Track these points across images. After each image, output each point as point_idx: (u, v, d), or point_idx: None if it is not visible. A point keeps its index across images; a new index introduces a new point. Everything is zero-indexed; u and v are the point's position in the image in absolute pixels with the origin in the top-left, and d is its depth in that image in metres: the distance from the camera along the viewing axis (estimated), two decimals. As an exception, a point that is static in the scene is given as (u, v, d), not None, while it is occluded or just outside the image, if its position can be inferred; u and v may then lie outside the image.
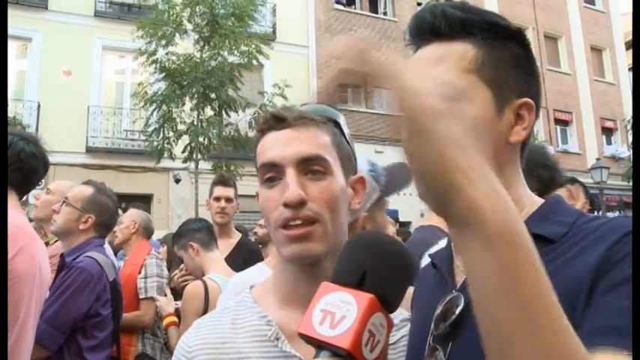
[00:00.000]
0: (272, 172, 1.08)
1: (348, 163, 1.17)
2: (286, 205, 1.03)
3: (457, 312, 0.93)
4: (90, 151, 15.17)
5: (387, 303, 0.78)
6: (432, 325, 0.98)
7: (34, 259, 2.06)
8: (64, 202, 2.97)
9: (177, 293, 3.73)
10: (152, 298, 3.82)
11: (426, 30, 1.01)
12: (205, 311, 2.96)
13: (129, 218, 4.30)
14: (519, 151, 1.02)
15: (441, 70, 0.95)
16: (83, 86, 15.38)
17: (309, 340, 0.76)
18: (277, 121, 1.11)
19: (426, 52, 1.00)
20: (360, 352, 0.73)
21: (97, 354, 2.75)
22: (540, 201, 1.01)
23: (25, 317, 1.98)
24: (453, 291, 0.98)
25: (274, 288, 1.15)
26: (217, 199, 3.98)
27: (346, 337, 0.72)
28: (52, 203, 3.48)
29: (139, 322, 3.83)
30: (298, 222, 1.03)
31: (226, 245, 3.65)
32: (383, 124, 19.43)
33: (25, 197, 2.42)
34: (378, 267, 0.79)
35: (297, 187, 1.03)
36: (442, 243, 1.20)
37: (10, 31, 14.67)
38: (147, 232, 4.39)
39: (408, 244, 2.32)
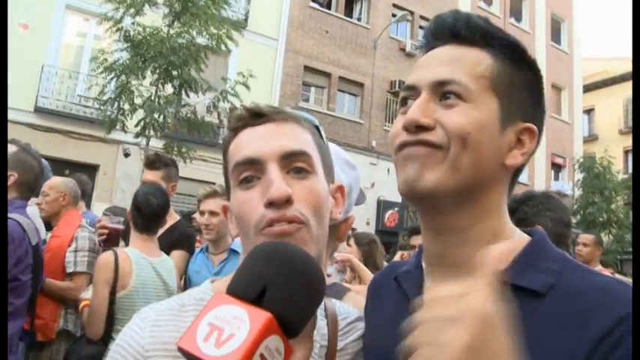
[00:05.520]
0: (250, 171, 0.95)
1: (329, 169, 1.07)
2: (270, 204, 0.90)
3: None
4: (39, 111, 14.61)
5: (288, 326, 0.69)
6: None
7: None
8: None
9: None
10: (84, 273, 3.68)
11: (445, 31, 0.98)
12: (115, 282, 2.97)
13: (55, 190, 4.03)
14: (510, 179, 0.97)
15: (452, 69, 0.92)
16: (40, 43, 14.78)
17: (190, 357, 0.66)
18: (254, 116, 1.00)
19: (440, 51, 0.97)
20: None
21: (12, 322, 2.57)
22: (524, 238, 0.95)
23: None
24: None
25: None
26: (144, 183, 3.93)
27: (231, 359, 0.63)
28: None
29: (70, 294, 3.64)
30: (284, 224, 0.91)
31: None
32: (341, 127, 19.55)
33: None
34: (282, 283, 0.70)
35: (283, 183, 0.91)
36: (410, 263, 1.10)
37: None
38: (76, 200, 4.19)
39: None
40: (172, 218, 4.03)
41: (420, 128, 0.90)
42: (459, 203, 0.91)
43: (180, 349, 0.67)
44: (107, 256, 3.07)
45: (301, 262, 0.75)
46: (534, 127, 0.96)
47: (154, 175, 3.99)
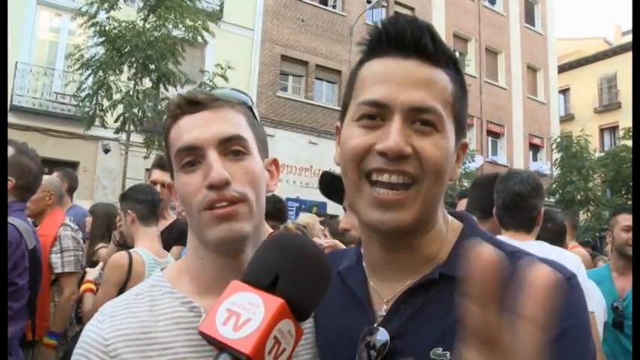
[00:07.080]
0: (191, 156, 1.05)
1: (263, 144, 1.15)
2: (211, 187, 1.00)
3: (385, 350, 0.94)
4: (14, 109, 14.39)
5: (298, 310, 0.75)
6: (357, 357, 0.98)
7: None
8: None
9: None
10: (74, 273, 3.70)
11: (409, 43, 0.94)
12: (126, 283, 2.98)
13: (41, 189, 3.86)
14: None
15: (427, 94, 0.92)
16: (12, 40, 14.55)
17: (210, 340, 0.72)
18: (191, 104, 1.08)
19: (408, 68, 0.94)
20: (262, 358, 0.69)
21: (11, 325, 2.57)
22: (456, 226, 1.04)
23: None
24: (375, 325, 0.98)
25: (190, 274, 1.10)
26: (154, 182, 3.96)
27: (248, 341, 0.69)
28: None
29: (72, 301, 3.69)
30: (224, 203, 1.00)
31: (160, 226, 3.69)
32: (320, 115, 19.57)
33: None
34: (293, 271, 0.75)
35: (221, 168, 1.01)
36: (350, 257, 1.14)
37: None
38: (60, 199, 4.17)
39: None
40: (170, 217, 4.16)
41: (400, 157, 0.90)
42: (420, 223, 0.98)
43: (201, 333, 0.73)
44: (121, 258, 3.05)
45: (311, 252, 0.80)
46: (466, 141, 1.05)
47: (165, 177, 4.02)
